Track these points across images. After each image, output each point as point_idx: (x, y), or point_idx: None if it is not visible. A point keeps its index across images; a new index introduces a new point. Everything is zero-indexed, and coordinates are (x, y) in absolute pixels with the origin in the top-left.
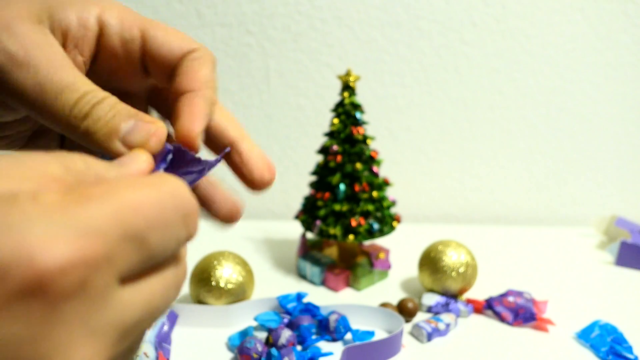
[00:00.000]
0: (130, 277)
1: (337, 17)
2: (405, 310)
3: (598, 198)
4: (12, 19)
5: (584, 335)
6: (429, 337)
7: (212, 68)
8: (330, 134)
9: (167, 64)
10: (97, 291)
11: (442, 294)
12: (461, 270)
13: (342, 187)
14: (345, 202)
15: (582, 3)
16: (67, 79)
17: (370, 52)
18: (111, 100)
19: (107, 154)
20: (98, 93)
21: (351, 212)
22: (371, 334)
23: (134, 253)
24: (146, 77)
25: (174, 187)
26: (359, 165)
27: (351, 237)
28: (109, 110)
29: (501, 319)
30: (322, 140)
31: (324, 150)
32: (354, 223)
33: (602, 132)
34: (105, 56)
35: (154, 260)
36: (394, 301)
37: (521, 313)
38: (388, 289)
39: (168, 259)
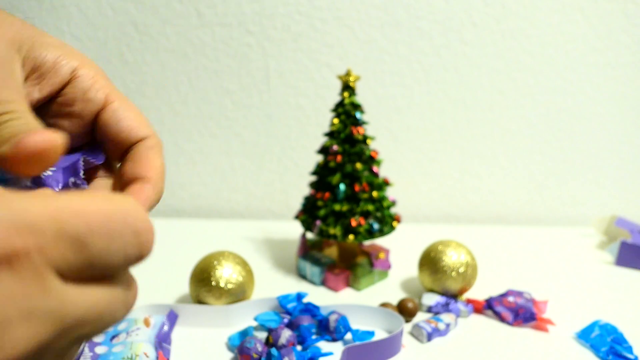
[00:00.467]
0: (71, 276)
1: (337, 17)
2: (405, 310)
3: (598, 198)
4: None
5: (584, 335)
6: (429, 337)
7: (162, 157)
8: (330, 134)
9: (122, 140)
10: (29, 275)
11: (442, 294)
12: (461, 270)
13: (342, 187)
14: (345, 202)
15: (582, 3)
16: (5, 95)
17: (370, 52)
18: (29, 119)
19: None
20: (20, 114)
21: (351, 212)
22: (371, 334)
23: (71, 252)
24: (87, 137)
25: (130, 206)
26: (359, 165)
27: (351, 237)
28: (21, 123)
29: (501, 319)
30: (322, 140)
31: (324, 150)
32: (354, 223)
33: (602, 132)
34: (63, 102)
35: (98, 269)
36: (394, 301)
37: (521, 313)
38: (388, 289)
39: (118, 276)
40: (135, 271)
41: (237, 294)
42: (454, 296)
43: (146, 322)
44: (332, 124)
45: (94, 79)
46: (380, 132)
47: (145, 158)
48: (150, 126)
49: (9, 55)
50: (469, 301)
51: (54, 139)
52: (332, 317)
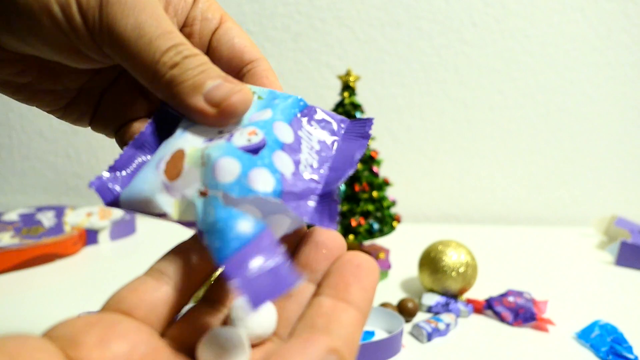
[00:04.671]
0: None
1: (337, 17)
2: (405, 310)
3: (598, 198)
4: None
5: (584, 335)
6: (429, 337)
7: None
8: None
9: (236, 58)
10: None
11: (442, 294)
12: (461, 270)
13: (342, 187)
14: (345, 202)
15: (582, 3)
16: (165, 27)
17: (370, 52)
18: (203, 57)
19: (183, 109)
20: (191, 48)
21: (351, 212)
22: (371, 334)
23: None
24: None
25: None
26: (359, 165)
27: (351, 237)
28: (198, 65)
29: (501, 319)
30: None
31: None
32: (354, 223)
33: (602, 132)
34: (185, 23)
35: None
36: (394, 301)
37: (521, 313)
38: (388, 289)
39: None
40: (134, 271)
41: None
42: (454, 296)
43: None
44: None
45: (210, 2)
46: (380, 132)
47: (265, 78)
48: (259, 50)
49: None
50: (469, 301)
51: (247, 94)
52: None
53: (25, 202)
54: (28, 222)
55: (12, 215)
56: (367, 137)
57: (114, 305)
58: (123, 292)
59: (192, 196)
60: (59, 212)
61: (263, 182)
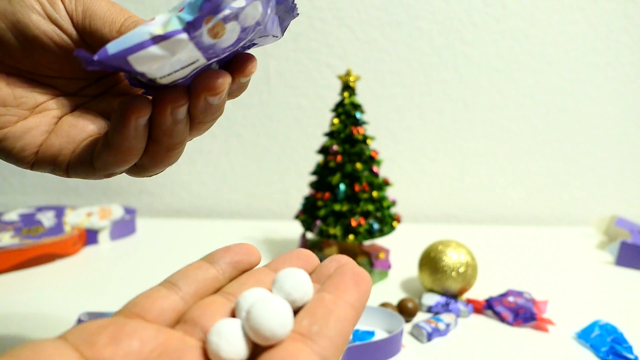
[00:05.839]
0: None
1: (337, 17)
2: (405, 310)
3: (598, 198)
4: None
5: (584, 335)
6: (429, 337)
7: None
8: (330, 134)
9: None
10: None
11: (442, 294)
12: (461, 270)
13: (342, 187)
14: (345, 202)
15: (582, 3)
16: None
17: (370, 52)
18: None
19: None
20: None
21: (351, 212)
22: (371, 334)
23: None
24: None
25: None
26: (359, 165)
27: (351, 237)
28: (141, 20)
29: (501, 319)
30: (322, 140)
31: (324, 150)
32: (354, 223)
33: (602, 132)
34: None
35: None
36: (394, 301)
37: (521, 313)
38: (388, 289)
39: None
40: (134, 271)
41: None
42: (454, 296)
43: None
44: (332, 124)
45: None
46: (380, 132)
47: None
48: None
49: None
50: (469, 301)
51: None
52: None
53: (25, 202)
54: (28, 222)
55: (12, 215)
56: None
57: (129, 308)
58: (139, 298)
59: (171, 16)
60: (59, 212)
61: None
